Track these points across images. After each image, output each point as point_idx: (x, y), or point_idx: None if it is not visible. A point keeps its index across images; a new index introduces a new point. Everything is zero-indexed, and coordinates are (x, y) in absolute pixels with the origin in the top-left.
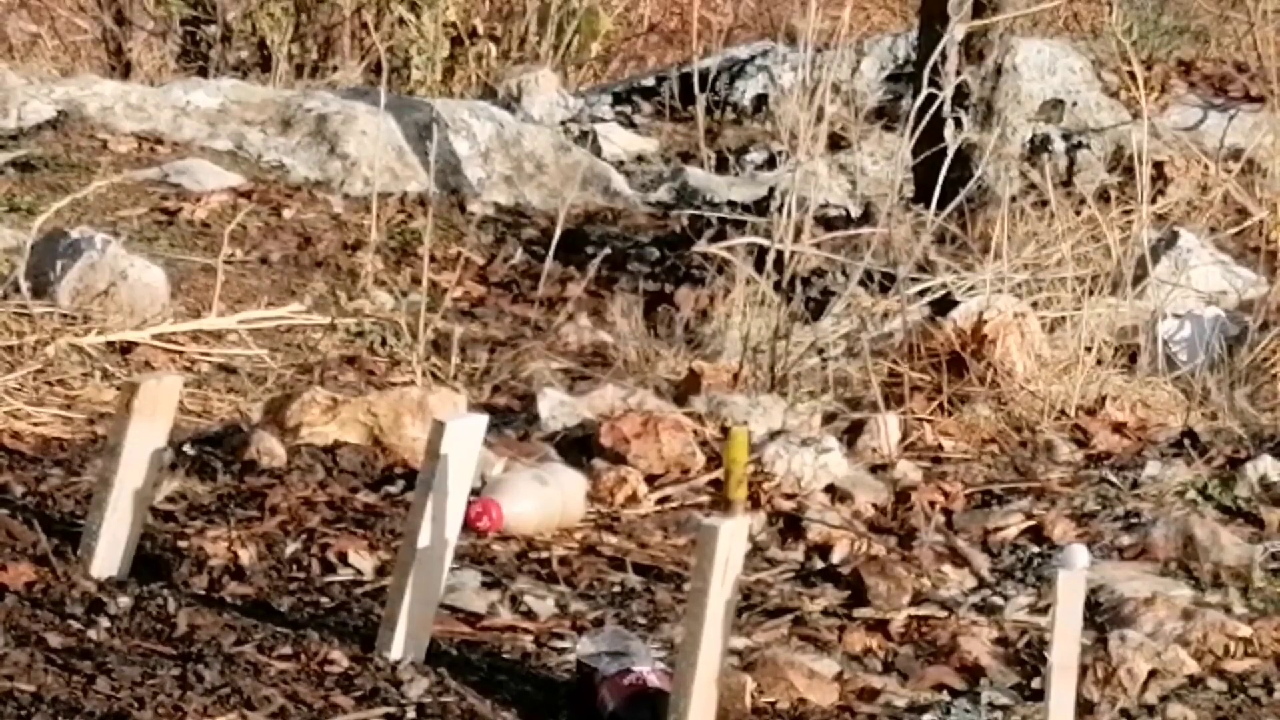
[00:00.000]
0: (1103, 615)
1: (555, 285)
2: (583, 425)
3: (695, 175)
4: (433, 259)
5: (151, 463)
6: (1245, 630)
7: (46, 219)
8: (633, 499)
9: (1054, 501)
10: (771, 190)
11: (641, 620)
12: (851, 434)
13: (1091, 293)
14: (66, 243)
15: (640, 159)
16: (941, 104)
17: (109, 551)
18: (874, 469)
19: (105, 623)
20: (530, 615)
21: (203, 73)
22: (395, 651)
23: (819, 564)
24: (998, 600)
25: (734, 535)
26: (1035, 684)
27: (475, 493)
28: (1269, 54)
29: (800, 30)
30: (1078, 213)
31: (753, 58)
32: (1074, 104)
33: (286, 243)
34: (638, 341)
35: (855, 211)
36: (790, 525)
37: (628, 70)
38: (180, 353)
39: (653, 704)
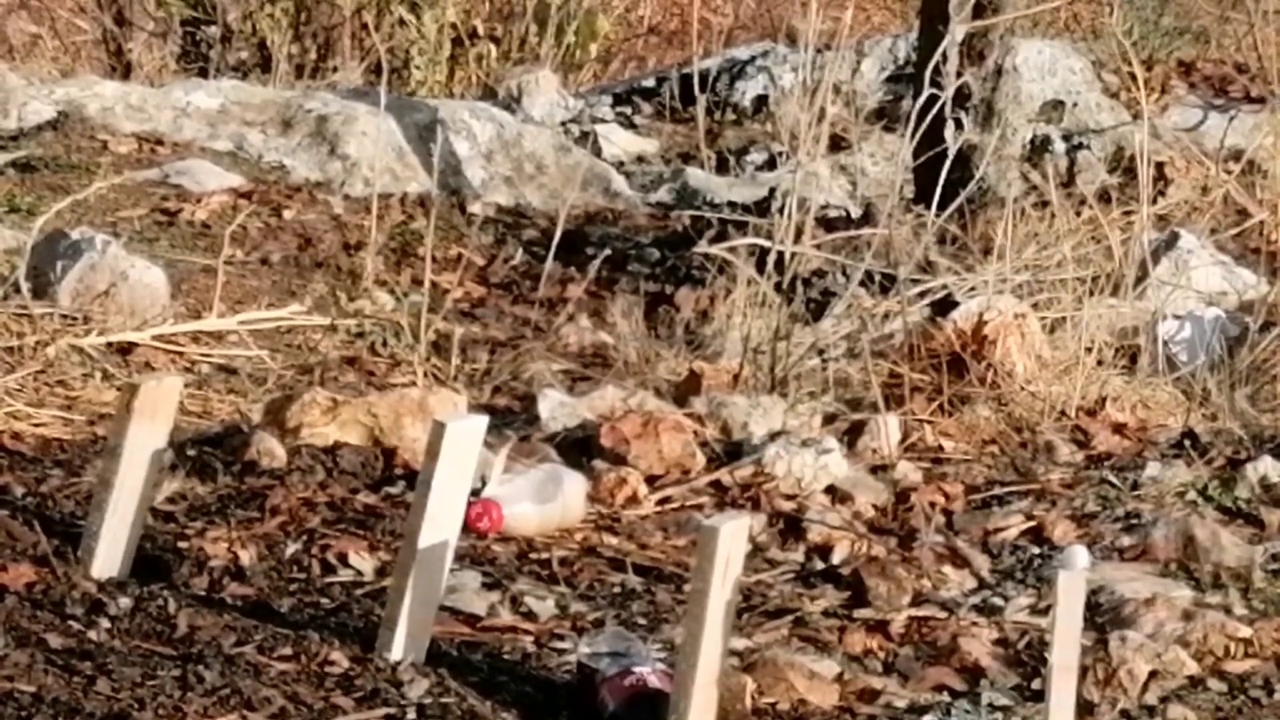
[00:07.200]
0: (1103, 616)
1: (556, 286)
2: (583, 426)
3: (696, 176)
4: (433, 260)
5: (152, 463)
6: (1245, 631)
7: (47, 220)
8: (633, 500)
9: (1054, 502)
10: (772, 191)
11: (642, 621)
12: (852, 435)
13: (1092, 293)
14: (67, 243)
15: (640, 160)
16: (942, 105)
17: (109, 552)
18: (874, 470)
19: (105, 624)
20: (530, 616)
21: (203, 73)
22: (396, 652)
23: (819, 565)
24: (998, 601)
25: (734, 536)
26: (1035, 685)
27: (475, 494)
28: (1269, 54)
29: (801, 31)
30: (1078, 213)
31: (753, 58)
32: (1074, 105)
33: (287, 243)
34: (638, 342)
35: (856, 212)
36: (790, 526)
37: (628, 71)
38: (180, 353)
39: (653, 705)
